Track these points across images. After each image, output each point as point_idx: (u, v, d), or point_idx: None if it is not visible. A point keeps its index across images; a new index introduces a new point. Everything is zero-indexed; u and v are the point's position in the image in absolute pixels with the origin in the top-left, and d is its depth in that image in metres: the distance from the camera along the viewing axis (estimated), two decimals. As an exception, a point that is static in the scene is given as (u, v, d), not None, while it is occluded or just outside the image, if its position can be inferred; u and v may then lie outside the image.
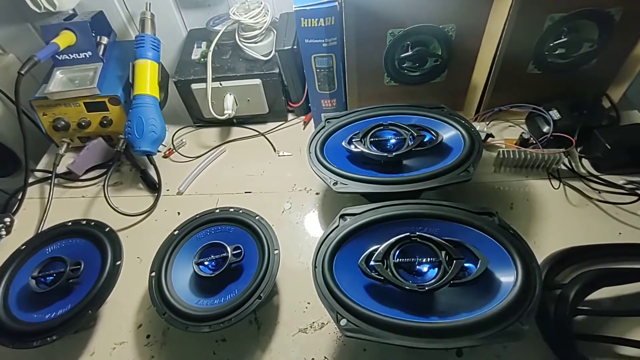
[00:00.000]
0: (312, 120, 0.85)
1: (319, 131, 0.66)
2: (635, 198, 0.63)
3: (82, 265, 0.58)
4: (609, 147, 0.65)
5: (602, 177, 0.67)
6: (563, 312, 0.50)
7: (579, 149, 0.71)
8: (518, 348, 0.52)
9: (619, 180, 0.66)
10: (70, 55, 0.77)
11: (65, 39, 0.73)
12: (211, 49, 0.78)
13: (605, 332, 0.51)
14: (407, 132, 0.62)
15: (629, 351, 0.49)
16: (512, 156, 0.68)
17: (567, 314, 0.49)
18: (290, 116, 0.88)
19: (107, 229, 0.61)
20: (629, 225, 0.61)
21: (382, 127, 0.63)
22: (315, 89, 0.78)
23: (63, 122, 0.78)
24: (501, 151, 0.69)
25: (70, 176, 0.80)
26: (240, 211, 0.61)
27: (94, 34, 0.78)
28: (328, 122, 0.67)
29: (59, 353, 0.59)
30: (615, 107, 0.74)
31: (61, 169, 0.80)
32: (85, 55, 0.78)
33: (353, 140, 0.63)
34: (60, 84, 0.77)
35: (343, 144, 0.63)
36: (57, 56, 0.77)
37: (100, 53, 0.79)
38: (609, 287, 0.53)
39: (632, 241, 0.59)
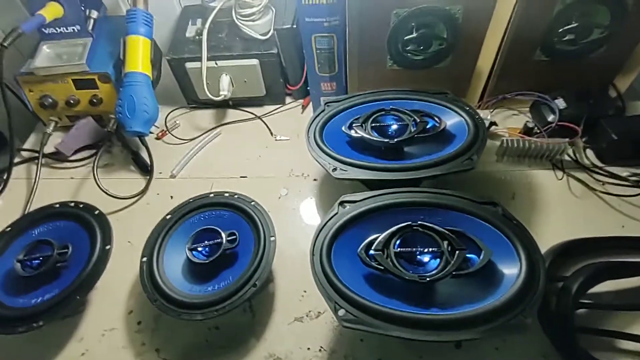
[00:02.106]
0: (310, 103, 0.83)
1: (318, 115, 0.64)
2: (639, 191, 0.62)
3: (70, 249, 0.56)
4: (615, 138, 0.63)
5: (606, 168, 0.65)
6: (565, 306, 0.49)
7: (583, 139, 0.69)
8: (517, 341, 0.51)
9: (623, 172, 0.65)
10: (57, 29, 0.73)
11: (52, 10, 0.69)
12: (207, 26, 0.75)
13: (606, 326, 0.50)
14: (409, 117, 0.60)
15: (629, 345, 0.49)
16: (515, 145, 0.67)
17: (569, 307, 0.49)
18: (288, 99, 0.85)
19: (97, 211, 0.59)
20: (633, 218, 0.60)
21: (383, 112, 0.61)
22: (315, 71, 0.75)
23: (50, 100, 0.75)
24: (505, 140, 0.67)
25: (58, 156, 0.77)
26: (236, 196, 0.59)
27: (83, 7, 0.74)
28: (327, 105, 0.65)
29: (47, 338, 0.57)
30: (621, 97, 0.72)
31: (49, 148, 0.77)
32: (73, 29, 0.74)
33: (353, 125, 0.61)
34: (47, 59, 0.73)
35: (343, 128, 0.61)
36: (43, 29, 0.73)
37: (90, 27, 0.75)
38: (611, 281, 0.52)
39: (635, 234, 0.58)
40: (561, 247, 0.56)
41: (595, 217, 0.61)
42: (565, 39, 0.67)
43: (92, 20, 0.75)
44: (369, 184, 0.63)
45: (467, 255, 0.46)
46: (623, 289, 0.53)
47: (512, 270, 0.45)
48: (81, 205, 0.60)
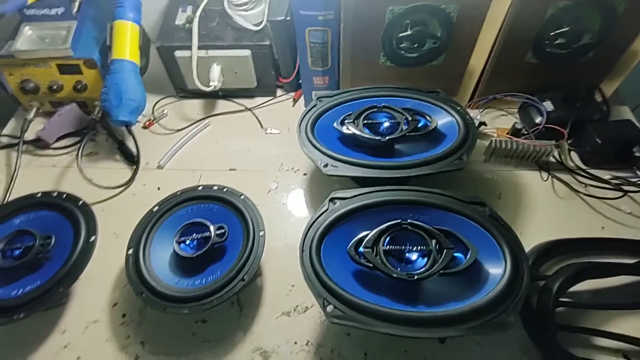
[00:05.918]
0: (302, 97, 0.82)
1: (310, 109, 0.63)
2: (620, 194, 0.64)
3: (53, 240, 0.54)
4: (600, 142, 0.65)
5: (590, 171, 0.67)
6: (546, 304, 0.50)
7: (569, 142, 0.70)
8: (499, 337, 0.52)
9: (606, 175, 0.66)
10: (40, 10, 0.70)
11: (34, -9, 0.67)
12: (197, 14, 0.73)
13: (584, 324, 0.52)
14: (401, 115, 0.60)
15: (605, 343, 0.51)
16: (503, 146, 0.68)
17: (549, 305, 0.50)
18: (279, 92, 0.84)
19: (81, 202, 0.58)
20: (613, 220, 0.62)
21: (375, 109, 0.61)
22: (307, 65, 0.74)
23: (32, 84, 0.72)
24: (493, 140, 0.68)
25: (39, 144, 0.75)
26: (225, 189, 0.59)
27: (67, -12, 0.71)
28: (320, 100, 0.64)
29: (28, 330, 0.55)
30: (606, 101, 0.74)
31: (30, 135, 0.74)
32: (57, 11, 0.71)
33: (345, 121, 0.60)
34: (28, 42, 0.70)
35: (335, 125, 0.61)
36: (24, 11, 0.70)
37: (74, 10, 0.72)
38: (590, 280, 0.54)
39: (614, 236, 0.60)
40: (544, 246, 0.57)
41: (577, 218, 0.63)
42: (556, 42, 0.68)
43: (77, 3, 0.72)
44: (359, 181, 0.63)
45: (455, 254, 0.47)
46: (601, 289, 0.55)
47: (497, 270, 0.46)
48: (64, 196, 0.58)
